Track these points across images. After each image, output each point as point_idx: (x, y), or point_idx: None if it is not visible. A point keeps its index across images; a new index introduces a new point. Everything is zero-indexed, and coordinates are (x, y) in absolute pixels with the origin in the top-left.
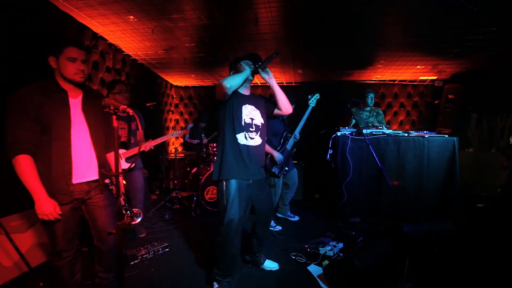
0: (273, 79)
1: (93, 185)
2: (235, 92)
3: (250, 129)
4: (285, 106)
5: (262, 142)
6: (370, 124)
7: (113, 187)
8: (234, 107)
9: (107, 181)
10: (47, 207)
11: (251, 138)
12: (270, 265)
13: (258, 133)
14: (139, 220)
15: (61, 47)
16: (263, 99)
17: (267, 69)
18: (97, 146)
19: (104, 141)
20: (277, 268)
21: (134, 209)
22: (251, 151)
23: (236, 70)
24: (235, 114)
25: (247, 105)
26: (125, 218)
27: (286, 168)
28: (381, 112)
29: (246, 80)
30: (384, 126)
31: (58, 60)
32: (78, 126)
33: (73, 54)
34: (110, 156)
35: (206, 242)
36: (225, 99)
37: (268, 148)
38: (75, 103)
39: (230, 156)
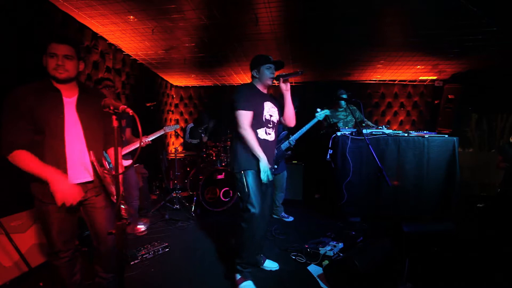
0: (289, 92)
1: (89, 187)
2: (256, 89)
3: (269, 125)
4: (289, 119)
5: (275, 138)
6: (350, 125)
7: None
8: (257, 105)
9: (107, 178)
10: (65, 187)
11: (269, 134)
12: (270, 265)
13: (274, 130)
14: (144, 228)
15: (46, 45)
16: (277, 100)
17: (287, 82)
18: (91, 147)
19: (101, 141)
20: (277, 268)
21: (142, 219)
22: (268, 146)
23: (258, 71)
24: (257, 110)
25: (267, 102)
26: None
27: (276, 167)
28: (355, 108)
29: (265, 82)
30: (364, 120)
31: (46, 58)
32: (72, 126)
33: (52, 50)
34: (110, 152)
35: (206, 242)
36: None
37: None
38: (70, 102)
39: (250, 150)
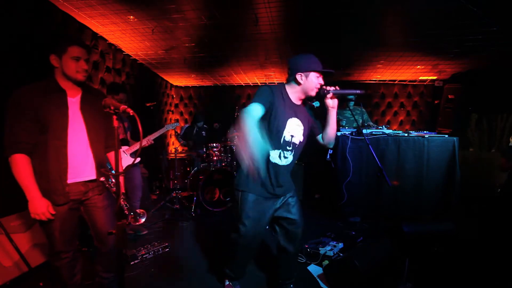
0: (336, 110)
1: (90, 186)
2: (286, 99)
3: (287, 147)
4: (329, 140)
5: (292, 161)
6: (355, 124)
7: (111, 185)
8: (278, 121)
9: (102, 179)
10: (39, 206)
11: (285, 158)
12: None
13: (293, 152)
14: (143, 220)
15: (64, 46)
16: (311, 113)
17: (335, 98)
18: (94, 146)
19: (104, 141)
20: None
21: (138, 210)
22: (279, 171)
23: (307, 77)
24: (277, 129)
25: (293, 118)
26: (129, 219)
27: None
28: (364, 110)
29: (309, 93)
30: (372, 124)
31: (61, 59)
32: (76, 125)
33: (77, 53)
34: (111, 156)
35: (206, 242)
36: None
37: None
38: (74, 102)
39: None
